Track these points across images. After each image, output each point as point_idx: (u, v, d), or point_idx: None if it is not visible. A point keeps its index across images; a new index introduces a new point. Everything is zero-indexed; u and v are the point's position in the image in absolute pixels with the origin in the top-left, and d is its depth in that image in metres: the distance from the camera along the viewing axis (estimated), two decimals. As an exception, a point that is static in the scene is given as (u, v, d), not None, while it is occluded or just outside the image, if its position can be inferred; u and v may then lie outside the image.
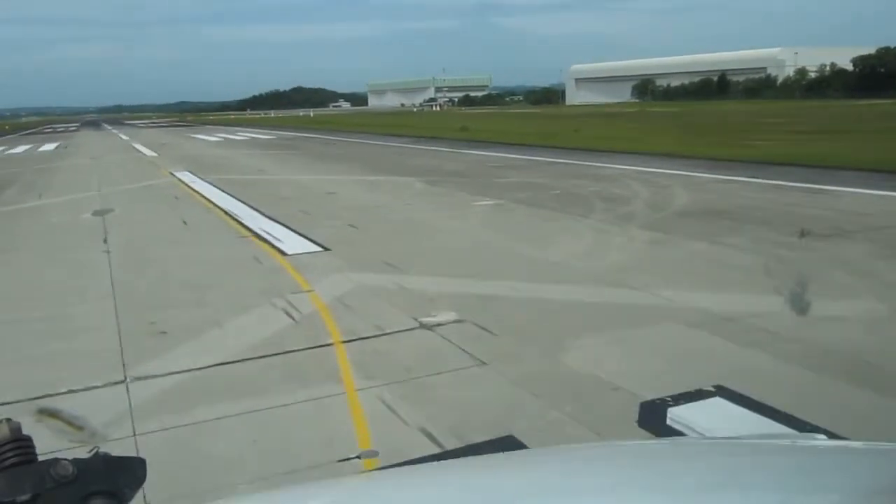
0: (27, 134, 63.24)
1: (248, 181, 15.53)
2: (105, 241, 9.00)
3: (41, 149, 35.17)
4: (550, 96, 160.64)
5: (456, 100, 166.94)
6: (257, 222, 9.88)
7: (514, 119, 51.21)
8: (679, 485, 0.91)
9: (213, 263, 7.54)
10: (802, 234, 7.78)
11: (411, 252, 7.70)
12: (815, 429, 2.97)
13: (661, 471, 0.98)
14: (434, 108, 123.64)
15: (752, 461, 1.02)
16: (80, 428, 3.74)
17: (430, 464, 1.35)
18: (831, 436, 1.44)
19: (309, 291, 6.19)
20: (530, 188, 12.52)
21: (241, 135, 41.86)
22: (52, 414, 3.92)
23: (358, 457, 3.30)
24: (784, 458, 1.05)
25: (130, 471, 0.87)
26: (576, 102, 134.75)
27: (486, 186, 13.07)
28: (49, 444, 3.29)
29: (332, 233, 8.90)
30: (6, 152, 33.83)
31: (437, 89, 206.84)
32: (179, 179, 16.18)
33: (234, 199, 12.37)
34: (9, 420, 0.85)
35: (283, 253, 7.82)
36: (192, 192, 13.91)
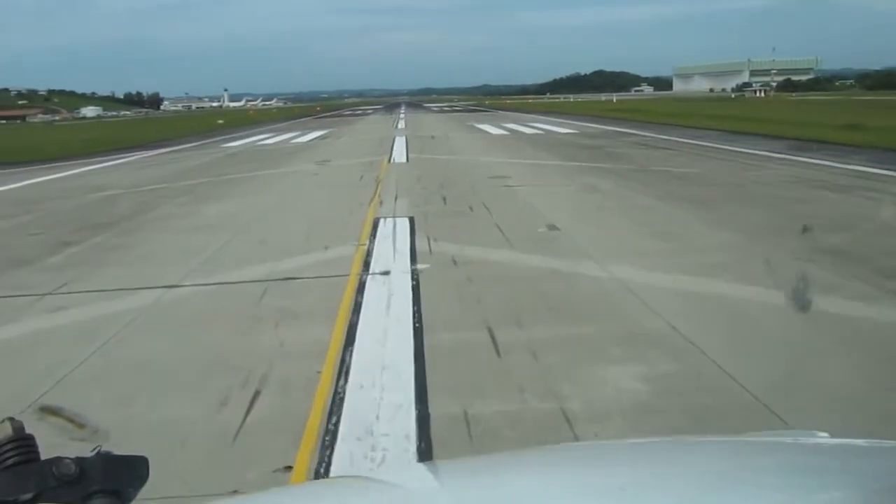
0: (322, 117, 61.62)
1: (514, 284, 6.20)
2: None
3: (297, 140, 29.70)
4: (894, 80, 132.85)
5: (773, 84, 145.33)
6: None
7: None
8: (679, 484, 0.88)
9: None
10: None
11: None
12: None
13: (661, 471, 0.95)
14: (757, 95, 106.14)
15: (753, 460, 0.99)
16: (81, 426, 3.53)
17: (426, 466, 1.20)
18: (833, 434, 1.07)
19: None
20: None
21: (534, 126, 33.16)
22: (55, 412, 3.69)
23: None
24: (786, 457, 1.03)
25: (133, 469, 0.84)
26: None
27: None
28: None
29: None
30: (257, 143, 28.81)
31: (753, 72, 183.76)
32: (366, 261, 7.37)
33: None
34: (11, 419, 0.84)
35: None
36: (341, 347, 4.91)
